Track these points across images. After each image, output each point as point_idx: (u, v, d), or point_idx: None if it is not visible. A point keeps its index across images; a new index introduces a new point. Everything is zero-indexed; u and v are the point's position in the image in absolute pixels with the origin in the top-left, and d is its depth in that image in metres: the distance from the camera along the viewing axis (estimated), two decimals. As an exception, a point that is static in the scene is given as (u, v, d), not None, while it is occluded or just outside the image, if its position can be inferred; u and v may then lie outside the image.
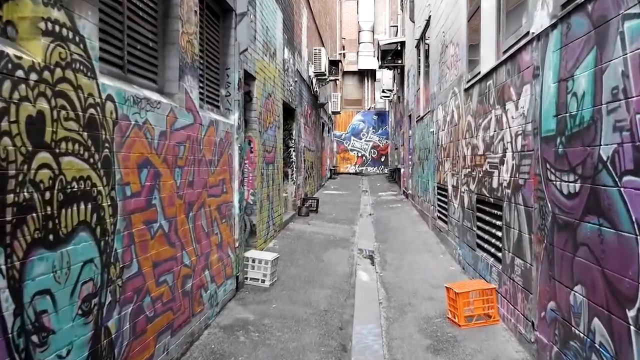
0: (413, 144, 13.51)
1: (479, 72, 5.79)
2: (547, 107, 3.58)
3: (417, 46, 12.20)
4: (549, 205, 3.52)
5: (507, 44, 4.70)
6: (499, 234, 4.95)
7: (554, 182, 3.43)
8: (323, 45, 16.33)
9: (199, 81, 4.47)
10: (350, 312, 5.17)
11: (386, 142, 29.50)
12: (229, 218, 5.24)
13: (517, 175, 4.31)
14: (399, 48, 16.21)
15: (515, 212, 4.36)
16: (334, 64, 16.77)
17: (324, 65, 14.34)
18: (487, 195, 5.31)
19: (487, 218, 5.40)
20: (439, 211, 8.81)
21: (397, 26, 18.49)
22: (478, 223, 5.82)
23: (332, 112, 23.13)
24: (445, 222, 8.07)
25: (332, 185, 21.30)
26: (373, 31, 30.42)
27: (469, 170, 6.23)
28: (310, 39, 14.41)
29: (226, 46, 5.35)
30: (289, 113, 11.35)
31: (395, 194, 17.39)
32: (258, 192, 7.40)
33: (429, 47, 10.34)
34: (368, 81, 31.70)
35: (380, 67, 16.97)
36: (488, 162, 5.29)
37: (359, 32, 31.02)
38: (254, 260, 5.96)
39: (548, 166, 3.55)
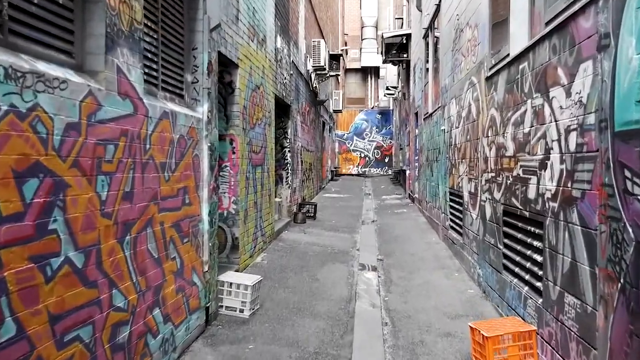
0: (420, 143, 12.42)
1: (507, 55, 4.70)
2: (625, 90, 2.50)
3: (425, 36, 11.10)
4: (630, 230, 2.44)
5: (553, 11, 3.62)
6: (538, 258, 3.86)
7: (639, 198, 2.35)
8: (323, 39, 15.25)
9: (146, 59, 3.40)
10: (347, 354, 4.09)
11: (390, 142, 28.38)
12: (195, 236, 4.16)
13: (568, 185, 3.22)
14: (404, 41, 15.12)
15: (566, 233, 3.27)
16: (334, 58, 15.70)
17: (324, 59, 13.26)
18: (520, 207, 4.22)
19: (520, 236, 4.30)
20: (451, 220, 7.72)
21: (402, 18, 17.41)
22: (506, 240, 4.73)
23: (333, 110, 22.04)
24: (460, 234, 6.97)
25: (333, 187, 20.22)
26: (377, 27, 29.29)
27: (493, 175, 5.14)
28: (308, 31, 13.34)
29: (192, 21, 4.28)
30: (283, 109, 10.28)
31: (400, 197, 16.29)
32: (242, 200, 6.33)
33: (438, 36, 9.25)
34: (371, 79, 30.58)
35: (384, 61, 15.89)
36: (521, 166, 4.20)
37: (362, 27, 29.88)
38: (230, 285, 4.88)
39: (628, 174, 2.46)
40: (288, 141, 10.37)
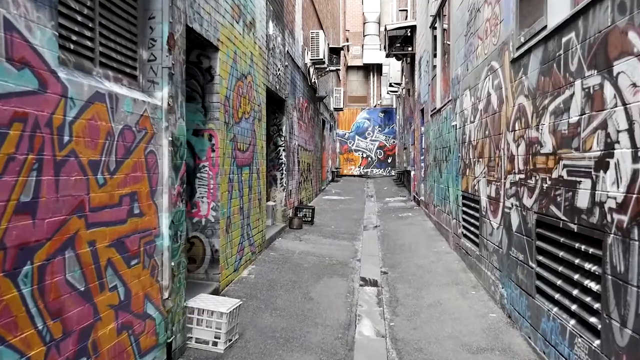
0: (426, 142, 11.51)
1: (543, 28, 3.79)
2: None
3: (432, 25, 10.20)
4: None
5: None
6: (593, 285, 2.96)
7: None
8: (322, 31, 14.32)
9: (70, 20, 2.51)
10: (344, 407, 3.20)
11: (393, 142, 27.44)
12: (150, 255, 3.27)
13: (650, 191, 2.32)
14: (409, 34, 14.22)
15: (645, 258, 2.37)
16: (335, 52, 14.81)
17: (323, 52, 12.37)
18: (564, 218, 3.31)
19: (562, 254, 3.40)
20: (464, 227, 6.81)
21: (406, 10, 16.51)
22: (540, 257, 3.83)
23: (334, 108, 21.13)
24: (476, 244, 6.07)
25: (334, 189, 19.31)
26: (379, 22, 28.35)
27: (522, 177, 4.24)
28: (306, 22, 12.45)
29: (148, -18, 3.39)
30: (277, 104, 9.39)
31: (404, 200, 15.38)
32: (223, 205, 5.44)
33: (449, 22, 8.35)
34: (374, 76, 29.65)
35: (388, 55, 14.98)
36: (566, 166, 3.29)
37: (364, 23, 28.95)
38: (201, 312, 3.99)
39: None
40: (283, 139, 9.48)
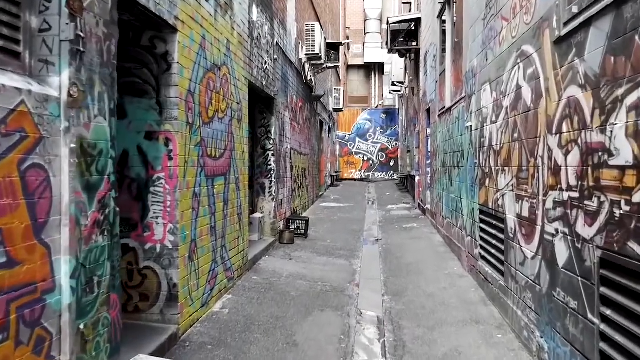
0: (433, 145, 10.40)
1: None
2: None
3: (441, 14, 9.10)
4: None
5: None
6: None
7: None
8: (319, 22, 13.21)
9: None
10: None
11: (396, 144, 26.28)
12: (33, 324, 2.17)
13: None
14: (413, 28, 13.13)
15: None
16: (333, 48, 13.71)
17: (319, 46, 11.27)
18: (661, 266, 2.20)
19: (655, 318, 2.28)
20: (482, 248, 5.69)
21: (410, 2, 15.41)
22: (607, 311, 2.71)
23: (333, 109, 20.03)
24: (499, 271, 4.95)
25: (333, 195, 18.17)
26: (381, 20, 27.25)
27: (575, 196, 3.12)
28: (301, 14, 11.36)
29: None
30: (264, 103, 8.29)
31: (408, 207, 14.25)
32: (185, 227, 4.33)
33: (461, 7, 7.24)
34: (375, 76, 28.50)
35: (390, 50, 13.88)
36: (665, 187, 2.18)
37: (365, 20, 27.83)
38: (134, 386, 2.88)
39: None
40: (272, 142, 8.38)
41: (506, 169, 4.73)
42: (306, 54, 11.31)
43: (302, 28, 11.34)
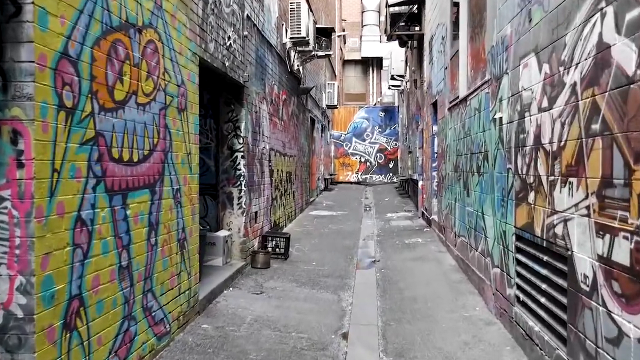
0: (442, 145, 8.71)
1: None
2: None
3: (452, -16, 7.42)
4: None
5: None
6: None
7: None
8: (309, 7, 11.48)
9: None
10: None
11: (396, 145, 24.52)
12: None
13: None
14: (416, 11, 11.45)
15: None
16: (324, 34, 12.04)
17: (306, 29, 9.57)
18: None
19: None
20: (521, 289, 4.00)
21: (412, -17, 13.71)
22: None
23: (326, 105, 18.33)
24: (559, 337, 3.25)
25: (325, 200, 16.43)
26: (379, 11, 25.53)
27: None
28: (285, -9, 9.66)
29: None
30: (231, 91, 6.59)
31: (410, 216, 12.55)
32: (48, 281, 2.62)
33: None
34: (373, 72, 26.78)
35: (390, 37, 12.19)
36: None
37: (362, 12, 26.11)
38: None
39: None
40: (242, 141, 6.67)
41: (572, 180, 3.03)
42: (291, 38, 9.62)
43: (287, 7, 9.65)
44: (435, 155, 9.73)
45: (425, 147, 11.40)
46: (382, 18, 22.02)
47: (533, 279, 3.76)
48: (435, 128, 9.71)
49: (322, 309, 5.25)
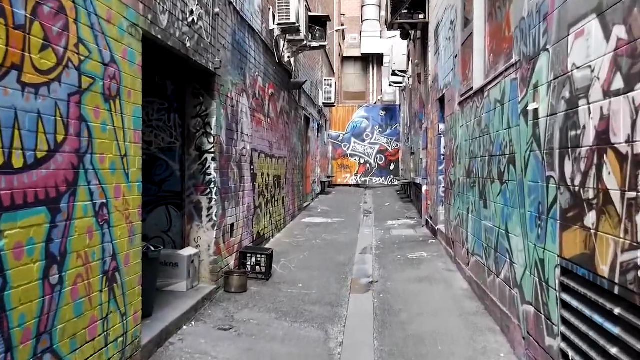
0: (451, 145, 7.59)
1: None
2: None
3: (464, -44, 6.30)
4: None
5: None
6: None
7: None
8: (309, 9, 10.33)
9: None
10: None
11: (397, 145, 23.38)
12: None
13: None
14: (420, -3, 10.32)
15: None
16: (318, 23, 10.93)
17: (296, 14, 8.46)
18: None
19: None
20: (568, 342, 2.88)
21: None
22: None
23: (323, 103, 17.20)
24: None
25: (321, 205, 15.30)
26: (379, 6, 24.40)
27: None
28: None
29: None
30: (199, 80, 5.48)
31: (412, 224, 11.42)
32: None
33: None
34: (373, 69, 25.65)
35: (391, 27, 11.06)
36: None
37: (362, 7, 24.99)
38: None
39: None
40: (212, 140, 5.56)
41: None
42: (279, 24, 8.51)
43: (274, -11, 8.55)
44: (442, 157, 8.61)
45: (430, 148, 10.28)
46: (383, 8, 20.91)
47: (593, 335, 2.63)
48: (442, 126, 8.60)
49: (304, 354, 4.13)
